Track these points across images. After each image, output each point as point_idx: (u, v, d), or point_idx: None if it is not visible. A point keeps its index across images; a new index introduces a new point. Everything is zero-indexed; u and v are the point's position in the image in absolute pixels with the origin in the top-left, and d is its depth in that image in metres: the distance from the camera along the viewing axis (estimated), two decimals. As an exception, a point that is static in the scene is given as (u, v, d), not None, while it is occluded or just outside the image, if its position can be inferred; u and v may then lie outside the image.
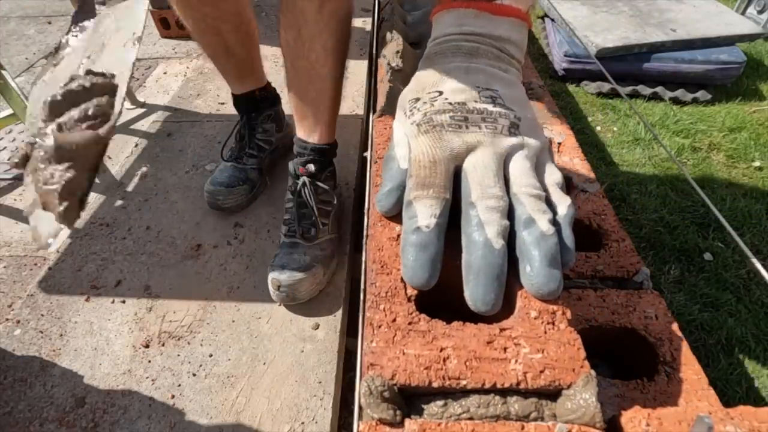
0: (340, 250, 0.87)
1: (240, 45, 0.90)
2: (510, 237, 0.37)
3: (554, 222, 0.38)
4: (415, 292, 0.40)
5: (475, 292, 0.36)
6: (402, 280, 0.41)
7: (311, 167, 0.80)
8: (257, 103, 0.99)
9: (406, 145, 0.44)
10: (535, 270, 0.36)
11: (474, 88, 0.44)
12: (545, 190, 0.40)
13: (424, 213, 0.38)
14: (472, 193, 0.38)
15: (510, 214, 0.38)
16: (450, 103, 0.43)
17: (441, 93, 0.44)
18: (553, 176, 0.42)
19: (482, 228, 0.36)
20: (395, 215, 0.45)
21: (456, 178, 0.40)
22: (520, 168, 0.40)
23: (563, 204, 0.40)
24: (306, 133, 0.82)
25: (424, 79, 0.47)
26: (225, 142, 1.02)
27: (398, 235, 0.45)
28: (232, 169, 0.97)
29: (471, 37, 0.46)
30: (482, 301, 0.35)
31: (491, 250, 0.36)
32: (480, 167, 0.39)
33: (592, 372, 0.34)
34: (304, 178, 0.80)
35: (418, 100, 0.45)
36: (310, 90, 0.78)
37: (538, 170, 0.42)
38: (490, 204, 0.37)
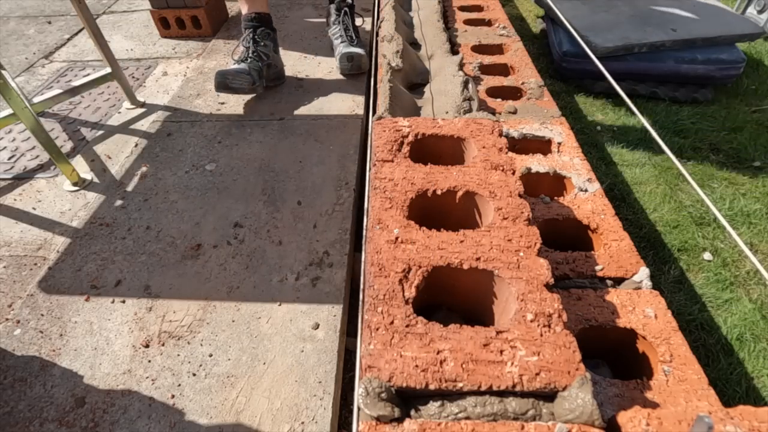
0: (340, 248, 0.87)
1: None
2: None
3: None
4: (413, 294, 0.40)
5: None
6: (400, 282, 0.41)
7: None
8: (260, 21, 1.36)
9: None
10: None
11: None
12: None
13: None
14: None
15: None
16: None
17: None
18: None
19: None
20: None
21: None
22: None
23: None
24: None
25: None
26: (233, 50, 1.44)
27: (396, 238, 0.45)
28: (239, 65, 1.30)
29: None
30: None
31: None
32: None
33: (587, 374, 0.34)
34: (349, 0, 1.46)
35: None
36: None
37: None
38: None
